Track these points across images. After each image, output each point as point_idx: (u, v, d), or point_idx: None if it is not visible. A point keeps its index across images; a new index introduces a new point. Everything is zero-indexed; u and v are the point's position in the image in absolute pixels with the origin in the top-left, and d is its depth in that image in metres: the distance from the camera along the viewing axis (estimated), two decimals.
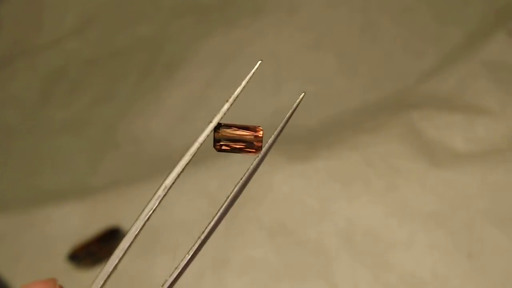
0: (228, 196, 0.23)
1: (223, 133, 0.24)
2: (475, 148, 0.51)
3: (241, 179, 0.23)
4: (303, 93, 0.24)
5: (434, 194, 0.50)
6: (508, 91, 0.53)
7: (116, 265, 0.23)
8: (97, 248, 0.54)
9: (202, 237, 0.22)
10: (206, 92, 0.59)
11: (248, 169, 0.24)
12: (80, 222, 0.54)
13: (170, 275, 0.22)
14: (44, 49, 0.62)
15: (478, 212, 0.49)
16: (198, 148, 0.23)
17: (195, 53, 0.64)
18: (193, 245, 0.22)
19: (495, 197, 0.49)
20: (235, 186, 0.23)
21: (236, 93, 0.23)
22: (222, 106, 0.23)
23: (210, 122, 0.23)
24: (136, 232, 0.23)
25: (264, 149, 0.24)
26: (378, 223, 0.50)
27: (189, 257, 0.22)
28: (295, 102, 0.57)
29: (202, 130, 0.23)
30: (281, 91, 0.59)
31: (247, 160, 0.51)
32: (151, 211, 0.23)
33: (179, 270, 0.22)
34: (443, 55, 0.58)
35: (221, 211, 0.23)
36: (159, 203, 0.23)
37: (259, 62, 0.23)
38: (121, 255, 0.23)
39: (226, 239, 0.50)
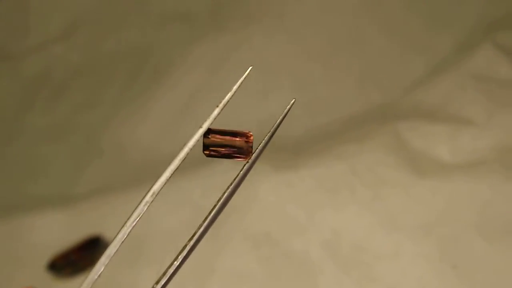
0: (218, 201, 0.23)
1: (213, 139, 0.24)
2: (461, 159, 0.51)
3: (230, 184, 0.23)
4: (293, 99, 0.24)
5: (420, 204, 0.50)
6: (494, 102, 0.53)
7: (101, 272, 0.22)
8: (78, 258, 0.54)
9: (191, 243, 0.22)
10: (193, 99, 0.59)
11: (237, 175, 0.23)
12: (62, 231, 0.54)
13: (157, 283, 0.22)
14: (28, 54, 0.62)
15: (464, 223, 0.49)
16: (187, 153, 0.23)
17: (183, 59, 0.63)
18: (182, 251, 0.22)
19: (481, 208, 0.49)
20: (224, 191, 0.23)
21: (226, 98, 0.23)
22: (212, 111, 0.23)
23: (200, 127, 0.23)
24: (123, 238, 0.22)
25: (254, 155, 0.24)
26: (364, 233, 0.50)
27: (177, 264, 0.22)
28: (282, 110, 0.56)
29: (192, 135, 0.23)
30: (268, 99, 0.59)
31: (231, 169, 0.50)
32: (139, 217, 0.23)
33: (166, 278, 0.22)
34: (430, 66, 0.58)
35: (210, 217, 0.23)
36: (147, 209, 0.22)
37: (250, 68, 0.23)
38: (107, 262, 0.22)
39: (211, 249, 0.50)
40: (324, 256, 0.49)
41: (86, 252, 0.54)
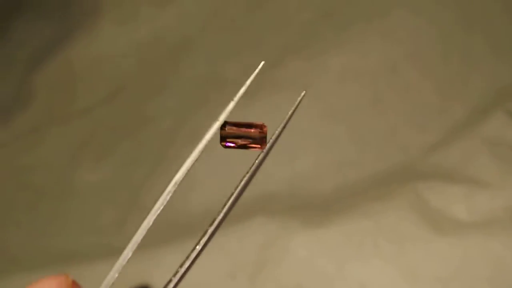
0: (236, 188, 0.24)
1: (229, 131, 0.25)
2: (476, 218, 0.54)
3: (246, 173, 0.25)
4: (303, 92, 0.26)
5: (438, 259, 0.54)
6: (506, 166, 0.58)
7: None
8: None
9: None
10: (226, 160, 0.64)
11: (253, 164, 0.25)
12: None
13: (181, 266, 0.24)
14: (75, 116, 0.68)
15: (478, 276, 0.52)
16: (205, 145, 0.25)
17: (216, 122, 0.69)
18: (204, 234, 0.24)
19: (494, 263, 0.53)
20: (241, 179, 0.25)
21: (240, 92, 0.26)
22: (228, 105, 0.25)
23: (217, 120, 0.25)
24: (148, 227, 0.25)
25: (268, 145, 0.25)
26: (388, 285, 0.54)
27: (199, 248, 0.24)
28: (309, 171, 0.62)
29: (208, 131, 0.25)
30: (296, 159, 0.64)
31: (267, 223, 0.56)
32: (162, 207, 0.25)
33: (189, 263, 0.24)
34: (446, 130, 0.62)
35: (234, 195, 0.24)
36: (169, 198, 0.25)
37: (262, 62, 0.26)
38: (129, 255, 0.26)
39: None
40: None
41: None
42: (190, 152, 0.25)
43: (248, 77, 0.26)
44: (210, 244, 0.25)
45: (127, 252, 0.26)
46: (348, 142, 0.64)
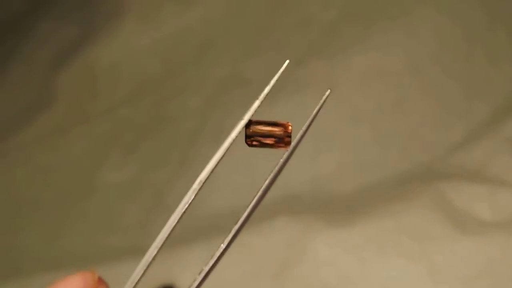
0: (262, 185, 0.25)
1: (254, 129, 0.25)
2: (500, 217, 0.55)
3: (271, 172, 0.25)
4: (329, 90, 0.27)
5: (463, 259, 0.54)
6: None
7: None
8: None
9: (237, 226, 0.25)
10: (250, 160, 0.66)
11: (278, 163, 0.25)
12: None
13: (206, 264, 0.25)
14: (98, 116, 0.68)
15: (503, 275, 0.53)
16: (231, 143, 0.25)
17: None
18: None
19: None
20: (266, 178, 0.25)
21: (265, 91, 0.26)
22: (253, 104, 0.25)
23: (242, 119, 0.25)
24: (173, 225, 0.25)
25: (293, 144, 0.25)
26: (412, 284, 0.55)
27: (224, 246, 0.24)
28: (332, 171, 0.63)
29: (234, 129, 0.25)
30: (319, 159, 0.65)
31: (291, 223, 0.57)
32: (187, 205, 0.25)
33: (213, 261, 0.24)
34: (469, 129, 0.62)
35: (257, 196, 0.25)
36: (195, 197, 0.25)
37: (287, 61, 0.26)
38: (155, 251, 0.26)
39: None
40: None
41: None
42: (214, 151, 0.26)
43: (272, 76, 0.26)
44: (234, 243, 0.25)
45: (153, 250, 0.27)
46: (371, 142, 0.64)
